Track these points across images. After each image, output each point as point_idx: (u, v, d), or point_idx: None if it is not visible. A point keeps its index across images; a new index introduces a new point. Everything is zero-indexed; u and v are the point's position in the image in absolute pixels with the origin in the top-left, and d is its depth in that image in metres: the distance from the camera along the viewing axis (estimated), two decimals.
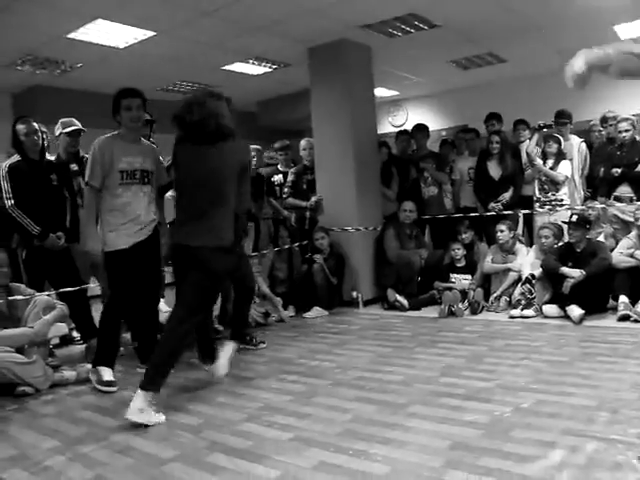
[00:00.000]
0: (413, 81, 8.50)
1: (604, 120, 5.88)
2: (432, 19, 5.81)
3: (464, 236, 5.76)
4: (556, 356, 3.71)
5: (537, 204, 5.86)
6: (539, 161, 5.77)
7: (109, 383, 3.60)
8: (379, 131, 7.37)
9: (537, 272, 5.10)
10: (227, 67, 7.10)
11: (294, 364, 3.99)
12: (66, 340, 5.02)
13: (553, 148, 5.74)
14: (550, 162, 5.74)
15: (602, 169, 5.59)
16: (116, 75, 6.48)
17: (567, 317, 4.70)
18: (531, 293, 5.06)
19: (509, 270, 5.43)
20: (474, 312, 5.29)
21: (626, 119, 5.45)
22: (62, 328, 4.23)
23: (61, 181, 4.53)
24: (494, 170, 6.03)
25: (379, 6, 5.38)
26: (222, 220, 3.16)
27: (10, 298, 3.85)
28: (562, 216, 5.52)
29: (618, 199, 5.40)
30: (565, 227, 5.25)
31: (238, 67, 7.14)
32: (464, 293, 5.44)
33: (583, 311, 4.62)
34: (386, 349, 4.24)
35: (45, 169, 4.44)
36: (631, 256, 4.78)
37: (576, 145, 6.07)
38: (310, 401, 3.15)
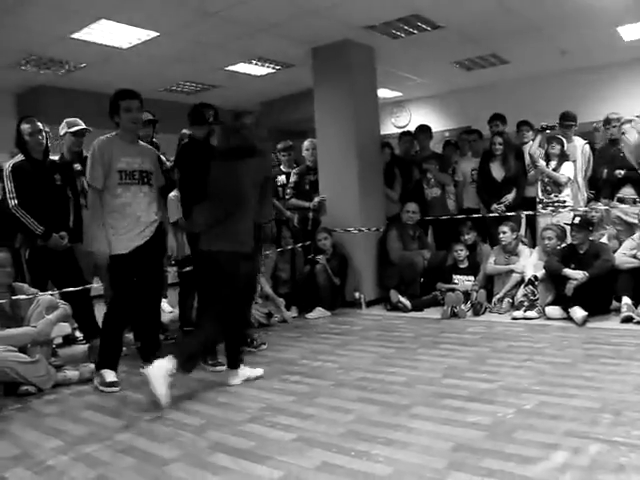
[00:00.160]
0: (416, 82, 8.49)
1: (607, 122, 5.87)
2: (435, 20, 5.81)
3: (467, 237, 5.76)
4: (559, 358, 3.70)
5: (540, 205, 5.84)
6: (542, 162, 5.76)
7: (112, 384, 3.61)
8: (382, 132, 7.37)
9: (540, 273, 5.09)
10: (230, 67, 7.11)
11: (297, 365, 3.99)
12: (69, 340, 5.03)
13: (556, 149, 5.73)
14: (553, 163, 5.74)
15: (605, 171, 5.58)
16: (119, 75, 6.50)
17: (570, 319, 4.69)
18: (534, 294, 5.05)
19: (512, 271, 5.42)
20: (477, 313, 5.28)
21: (629, 120, 5.43)
22: (65, 328, 4.23)
23: (65, 181, 4.54)
24: (497, 171, 6.03)
25: (382, 7, 5.38)
26: (241, 227, 3.40)
27: (13, 297, 3.85)
28: (565, 218, 5.51)
29: (621, 200, 5.40)
30: (568, 229, 5.24)
31: (241, 68, 7.14)
32: (467, 294, 5.44)
33: (586, 313, 4.61)
34: (389, 350, 4.24)
35: (49, 169, 4.44)
36: (634, 257, 4.78)
37: (580, 147, 6.05)
38: (313, 402, 3.14)
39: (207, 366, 3.99)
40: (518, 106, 7.14)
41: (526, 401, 2.89)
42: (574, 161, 5.88)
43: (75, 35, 5.54)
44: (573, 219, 5.07)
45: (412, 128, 7.44)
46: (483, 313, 5.32)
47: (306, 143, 6.52)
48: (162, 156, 5.04)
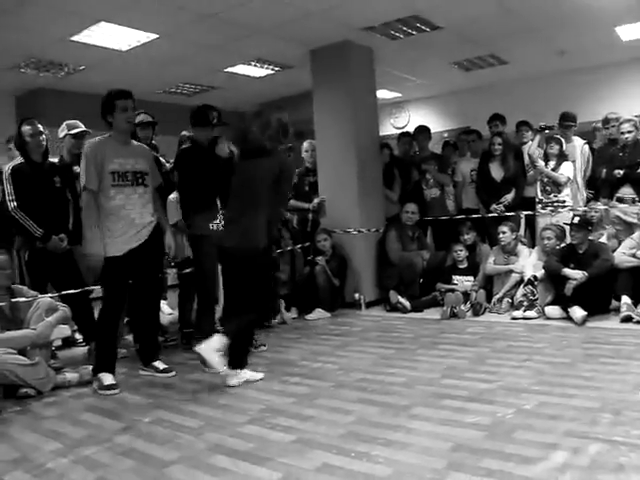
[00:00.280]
0: (415, 83, 8.50)
1: (606, 121, 5.87)
2: (434, 21, 5.82)
3: (466, 237, 5.76)
4: (558, 357, 3.70)
5: (539, 205, 5.85)
6: (541, 162, 5.77)
7: (110, 387, 3.61)
8: (381, 133, 7.37)
9: (539, 273, 5.09)
10: (229, 69, 7.12)
11: (296, 366, 3.99)
12: (68, 342, 5.03)
13: (554, 149, 5.74)
14: (552, 163, 5.74)
15: (604, 170, 5.58)
16: (119, 77, 6.49)
17: (569, 318, 4.69)
18: (533, 294, 5.05)
19: (511, 271, 5.43)
20: (476, 314, 5.28)
21: (628, 120, 5.43)
22: (64, 330, 4.25)
23: (64, 183, 4.54)
24: (496, 172, 6.03)
25: (381, 8, 5.39)
26: (254, 224, 3.47)
27: (13, 300, 3.85)
28: (564, 217, 5.51)
29: (620, 200, 5.40)
30: (567, 228, 5.24)
31: (240, 69, 7.15)
32: (466, 295, 5.44)
33: (585, 312, 4.61)
34: (388, 351, 4.24)
35: (48, 171, 4.44)
36: (634, 256, 4.78)
37: (579, 147, 6.06)
38: (313, 403, 3.14)
39: (206, 367, 3.97)
40: (517, 106, 7.15)
41: (525, 401, 2.89)
42: (573, 161, 5.88)
43: (75, 37, 5.55)
44: (572, 219, 5.07)
45: (411, 129, 7.45)
46: (483, 313, 5.32)
47: (305, 144, 6.52)
48: (161, 158, 5.06)
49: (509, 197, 5.93)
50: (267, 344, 4.61)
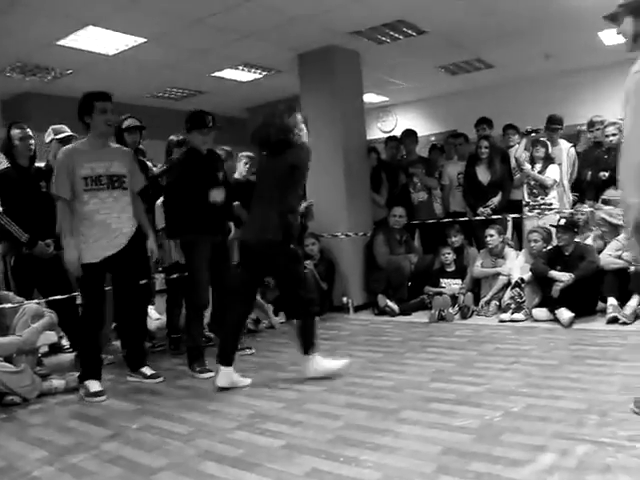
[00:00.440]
0: (402, 87, 8.53)
1: (591, 124, 5.92)
2: (420, 25, 5.85)
3: (454, 239, 5.78)
4: (546, 359, 3.73)
5: (526, 208, 5.89)
6: (527, 166, 5.82)
7: (97, 393, 3.58)
8: (368, 137, 7.39)
9: (526, 276, 5.13)
10: (217, 73, 7.10)
11: (285, 371, 3.98)
12: (55, 348, 4.98)
13: (540, 152, 5.79)
14: (538, 166, 5.79)
15: (590, 173, 5.63)
16: (106, 82, 6.44)
17: (557, 320, 4.73)
18: (521, 297, 5.09)
19: (499, 274, 5.46)
20: (464, 317, 5.30)
21: (613, 123, 5.49)
22: (51, 336, 4.20)
23: (50, 188, 4.50)
24: (483, 175, 6.07)
25: (368, 13, 5.41)
26: (268, 217, 3.57)
27: None
28: (551, 220, 5.56)
29: (606, 202, 5.44)
30: (554, 231, 5.28)
31: (228, 74, 7.14)
32: (454, 298, 5.46)
33: (572, 314, 4.65)
34: (377, 354, 4.24)
35: (34, 176, 4.41)
36: (619, 258, 4.82)
37: (565, 150, 6.12)
38: (302, 408, 3.14)
39: (194, 373, 3.97)
40: (503, 109, 7.20)
41: (513, 403, 2.91)
42: (560, 164, 5.93)
43: (61, 42, 5.52)
44: (558, 221, 5.11)
45: (398, 132, 7.46)
46: (470, 316, 5.34)
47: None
48: (148, 162, 5.04)
49: (496, 200, 5.97)
50: (255, 349, 4.60)
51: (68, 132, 4.80)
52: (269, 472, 2.34)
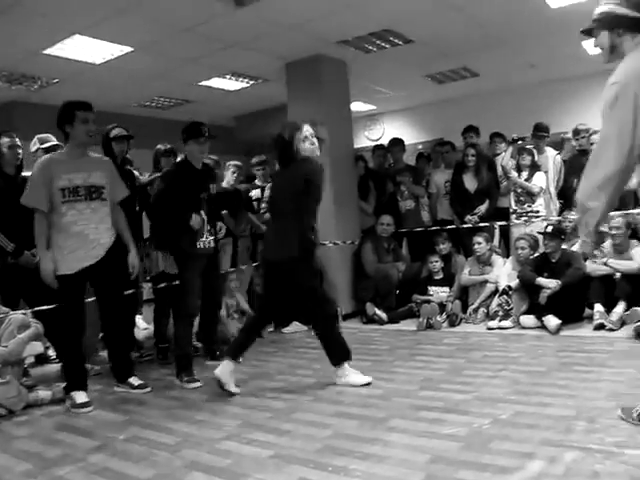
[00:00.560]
0: (389, 95, 8.58)
1: (576, 132, 5.99)
2: (406, 35, 5.89)
3: (442, 247, 5.80)
4: (534, 366, 3.74)
5: (513, 215, 5.93)
6: (514, 173, 5.86)
7: (83, 404, 3.55)
8: (356, 145, 7.42)
9: (514, 283, 5.15)
10: (204, 82, 7.10)
11: (274, 380, 3.97)
12: (41, 359, 4.93)
13: (527, 160, 5.83)
14: (524, 174, 5.83)
15: (575, 180, 5.67)
16: (93, 91, 6.43)
17: (544, 327, 4.75)
18: (508, 304, 5.10)
19: (486, 282, 5.48)
20: (452, 324, 5.32)
21: (597, 132, 5.53)
22: (37, 347, 4.16)
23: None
24: (470, 183, 6.10)
25: (355, 22, 5.45)
26: (285, 234, 3.60)
27: None
28: (538, 227, 5.59)
29: None
30: (540, 238, 5.31)
31: (215, 82, 7.14)
32: (442, 305, 5.47)
33: (560, 321, 4.67)
34: (365, 363, 4.22)
35: (20, 185, 4.35)
36: (605, 264, 4.86)
37: (551, 157, 6.17)
38: (290, 417, 3.13)
39: (182, 383, 3.94)
40: (490, 118, 7.26)
41: (502, 411, 2.91)
42: (546, 172, 5.98)
43: (48, 51, 5.49)
44: (545, 228, 5.14)
45: (385, 141, 7.51)
46: (459, 324, 5.35)
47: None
48: (135, 172, 5.02)
49: (483, 208, 6.00)
50: (243, 358, 4.57)
51: (54, 141, 4.77)
52: None
